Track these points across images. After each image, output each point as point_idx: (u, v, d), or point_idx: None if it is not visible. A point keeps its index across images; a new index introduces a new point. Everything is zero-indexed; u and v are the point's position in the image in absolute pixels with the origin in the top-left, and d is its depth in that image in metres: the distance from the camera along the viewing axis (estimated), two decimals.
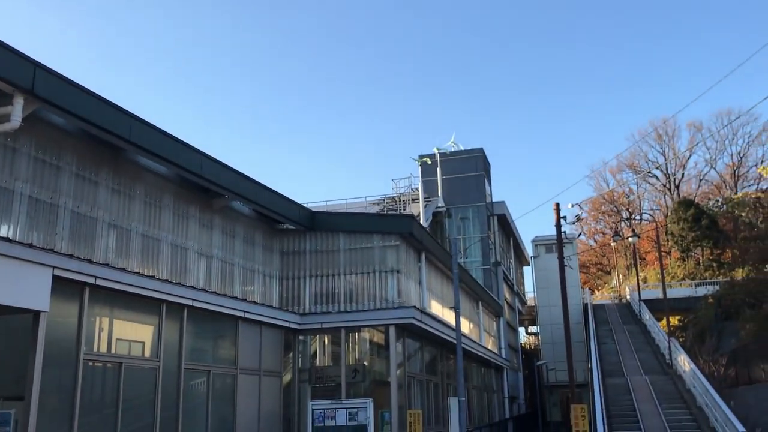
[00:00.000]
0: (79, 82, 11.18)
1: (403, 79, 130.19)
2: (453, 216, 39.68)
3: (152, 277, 12.48)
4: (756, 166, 63.98)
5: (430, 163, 40.08)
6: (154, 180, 14.15)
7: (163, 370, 12.26)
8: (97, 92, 11.52)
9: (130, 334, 12.17)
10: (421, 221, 33.60)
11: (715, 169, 69.77)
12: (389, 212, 35.33)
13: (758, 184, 61.85)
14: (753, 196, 54.19)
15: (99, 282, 10.66)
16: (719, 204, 57.72)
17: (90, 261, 10.66)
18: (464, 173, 40.68)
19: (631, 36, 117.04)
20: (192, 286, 13.66)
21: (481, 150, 41.83)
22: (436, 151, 40.84)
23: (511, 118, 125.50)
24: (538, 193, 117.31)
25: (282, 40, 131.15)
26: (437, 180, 39.97)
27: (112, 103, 11.91)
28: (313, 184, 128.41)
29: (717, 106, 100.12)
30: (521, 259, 56.54)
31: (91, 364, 10.69)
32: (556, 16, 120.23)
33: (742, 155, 67.94)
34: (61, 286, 9.93)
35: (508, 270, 46.57)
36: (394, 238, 18.74)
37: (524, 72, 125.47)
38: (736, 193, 61.19)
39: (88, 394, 10.56)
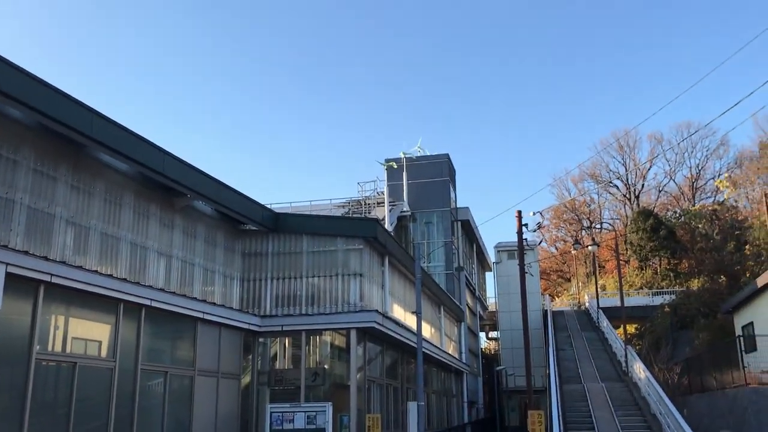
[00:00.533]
0: (39, 75, 10.96)
1: (370, 84, 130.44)
2: (418, 220, 39.83)
3: (110, 275, 12.28)
4: (713, 179, 65.54)
5: (396, 167, 40.15)
6: (115, 177, 13.93)
7: (119, 371, 12.08)
8: (57, 86, 11.29)
9: (86, 334, 11.95)
10: (386, 225, 33.66)
11: (674, 180, 71.39)
12: (354, 215, 35.32)
13: (715, 197, 63.41)
14: (710, 208, 55.57)
15: (55, 280, 10.45)
16: (677, 215, 58.98)
17: (46, 258, 10.45)
18: (430, 178, 40.85)
19: (598, 46, 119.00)
20: (151, 286, 13.49)
21: (447, 156, 42.06)
22: (402, 156, 40.94)
23: (477, 125, 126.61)
24: (502, 199, 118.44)
25: (249, 41, 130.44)
26: (403, 184, 40.07)
27: (73, 98, 11.69)
28: (277, 186, 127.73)
29: (678, 118, 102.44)
30: (484, 265, 56.96)
31: (44, 363, 10.47)
32: (522, 26, 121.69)
33: (700, 168, 69.62)
34: (15, 284, 9.72)
35: (471, 275, 46.88)
36: (358, 241, 18.72)
37: (491, 81, 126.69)
38: (693, 205, 62.67)
39: (40, 394, 10.34)
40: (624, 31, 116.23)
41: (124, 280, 12.53)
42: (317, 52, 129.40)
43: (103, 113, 12.48)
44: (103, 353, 11.99)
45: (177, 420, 13.99)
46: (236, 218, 17.95)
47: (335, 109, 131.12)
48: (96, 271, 11.78)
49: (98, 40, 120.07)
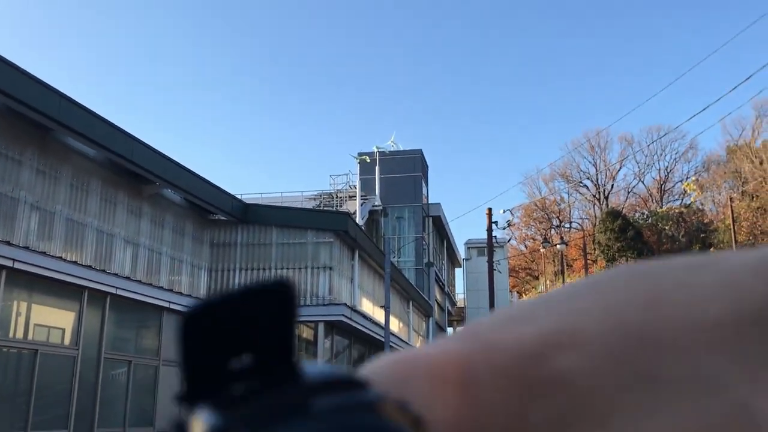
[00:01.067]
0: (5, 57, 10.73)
1: (345, 77, 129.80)
2: (389, 215, 39.83)
3: (75, 262, 12.09)
4: (681, 181, 66.56)
5: (369, 161, 40.06)
6: (82, 163, 13.70)
7: (82, 359, 11.91)
8: (23, 67, 11.07)
9: (49, 321, 11.75)
10: (357, 219, 33.59)
11: (643, 182, 72.26)
12: (325, 208, 35.20)
13: (682, 200, 64.41)
14: (676, 210, 56.42)
15: (17, 265, 10.26)
16: (645, 216, 59.75)
17: (9, 243, 10.25)
18: (402, 173, 40.89)
19: (572, 45, 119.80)
20: (116, 274, 13.32)
21: (420, 151, 42.16)
22: (375, 150, 40.89)
23: (451, 121, 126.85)
24: (473, 196, 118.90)
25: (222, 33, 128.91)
26: (375, 178, 40.03)
27: (40, 80, 11.47)
28: (248, 178, 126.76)
29: (650, 121, 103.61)
30: (453, 261, 57.20)
31: (4, 350, 10.28)
32: (497, 22, 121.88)
33: (669, 170, 70.58)
34: None
35: (441, 271, 47.06)
36: (329, 234, 18.67)
37: (466, 77, 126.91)
38: (661, 207, 63.53)
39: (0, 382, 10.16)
40: (600, 32, 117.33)
41: (90, 267, 12.35)
42: (290, 43, 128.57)
43: (71, 96, 12.26)
44: (66, 341, 11.82)
45: (141, 409, 13.85)
46: (205, 208, 17.78)
47: (308, 101, 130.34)
48: (61, 258, 11.59)
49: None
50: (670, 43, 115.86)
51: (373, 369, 0.25)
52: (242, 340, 0.23)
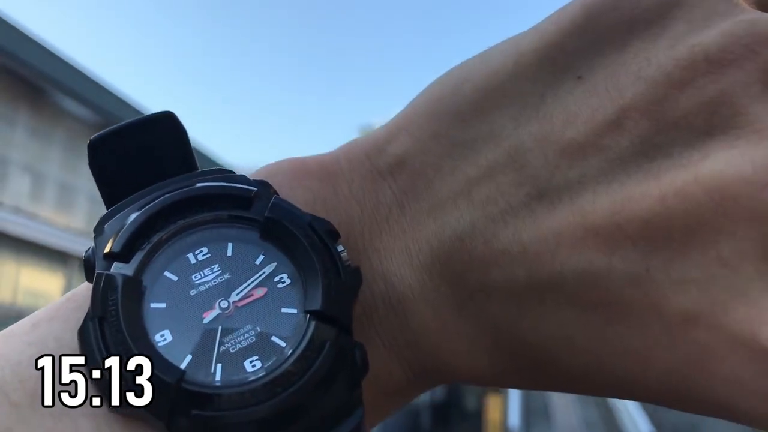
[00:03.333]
0: None
1: (353, 48, 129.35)
2: None
3: (67, 227, 11.74)
4: None
5: None
6: (74, 124, 13.31)
7: None
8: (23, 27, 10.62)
9: (38, 286, 11.46)
10: None
11: None
12: None
13: None
14: None
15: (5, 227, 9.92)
16: None
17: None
18: None
19: None
20: None
21: None
22: (378, 125, 40.44)
23: None
24: None
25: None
26: None
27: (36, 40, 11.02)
28: (239, 144, 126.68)
29: None
30: None
31: None
32: None
33: None
34: None
35: None
36: None
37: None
38: None
39: None
40: None
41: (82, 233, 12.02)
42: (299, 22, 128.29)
43: (65, 56, 11.83)
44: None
45: None
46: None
47: (315, 73, 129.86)
48: (49, 222, 11.24)
49: None
50: None
51: (252, 174, 0.27)
52: (147, 157, 0.26)
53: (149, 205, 0.24)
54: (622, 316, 0.20)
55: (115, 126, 0.26)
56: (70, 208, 13.01)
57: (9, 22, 10.51)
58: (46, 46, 11.30)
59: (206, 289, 0.23)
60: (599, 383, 0.22)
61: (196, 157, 0.27)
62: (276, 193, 0.25)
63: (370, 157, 0.27)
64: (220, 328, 0.22)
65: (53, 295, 11.58)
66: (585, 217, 0.21)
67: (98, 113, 12.81)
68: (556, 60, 0.23)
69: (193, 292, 0.23)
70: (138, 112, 14.17)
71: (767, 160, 0.18)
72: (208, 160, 17.66)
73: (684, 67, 0.21)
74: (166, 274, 0.23)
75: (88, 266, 0.24)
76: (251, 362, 0.22)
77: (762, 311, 0.18)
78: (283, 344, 0.22)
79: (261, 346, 0.22)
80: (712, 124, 0.20)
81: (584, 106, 0.22)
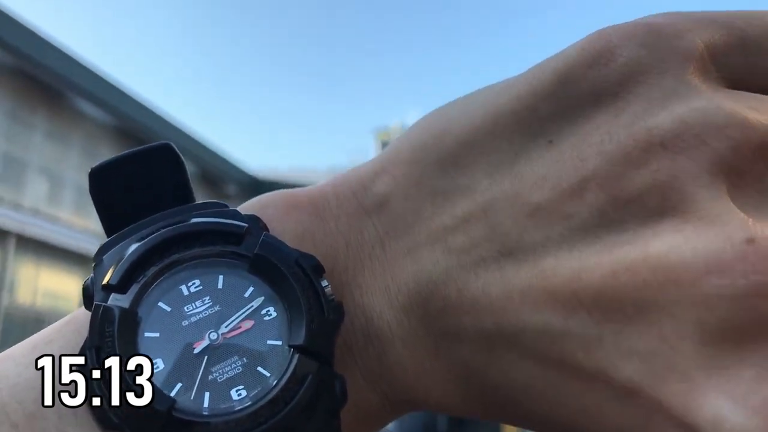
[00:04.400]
0: None
1: (365, 44, 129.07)
2: None
3: (85, 230, 11.84)
4: None
5: (388, 140, 39.51)
6: (92, 128, 13.43)
7: None
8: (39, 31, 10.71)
9: (57, 288, 11.56)
10: None
11: None
12: None
13: None
14: None
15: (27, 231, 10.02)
16: None
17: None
18: None
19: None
20: None
21: None
22: (394, 128, 40.40)
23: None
24: None
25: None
26: None
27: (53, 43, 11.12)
28: (256, 148, 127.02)
29: None
30: None
31: (13, 318, 10.09)
32: None
33: None
34: None
35: None
36: None
37: (500, 46, 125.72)
38: None
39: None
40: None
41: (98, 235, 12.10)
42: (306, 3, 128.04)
43: (83, 59, 11.94)
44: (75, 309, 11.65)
45: None
46: (215, 180, 17.50)
47: (322, 69, 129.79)
48: (69, 225, 11.34)
49: None
50: None
51: (244, 205, 0.29)
52: (146, 187, 0.27)
53: (146, 240, 0.25)
54: (576, 376, 0.22)
55: (115, 156, 0.28)
56: (87, 210, 13.12)
57: (26, 25, 10.62)
58: (63, 49, 11.41)
59: (197, 320, 0.24)
60: (559, 429, 0.24)
61: (192, 189, 0.29)
62: (266, 229, 0.26)
63: (356, 194, 0.28)
64: (209, 358, 0.24)
65: (71, 296, 11.68)
66: (546, 281, 0.22)
67: (116, 116, 12.92)
68: (530, 123, 0.25)
69: (185, 323, 0.24)
70: (156, 115, 14.29)
71: (707, 249, 0.19)
72: (227, 163, 17.73)
73: (641, 149, 0.22)
74: (160, 304, 0.24)
75: (86, 295, 0.25)
76: (237, 391, 0.23)
77: (694, 387, 0.19)
78: (268, 374, 0.24)
79: (247, 376, 0.24)
80: (663, 206, 0.21)
81: (552, 171, 0.23)
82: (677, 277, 0.19)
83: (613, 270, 0.21)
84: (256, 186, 19.15)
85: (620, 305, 0.20)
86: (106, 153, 13.84)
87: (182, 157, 0.28)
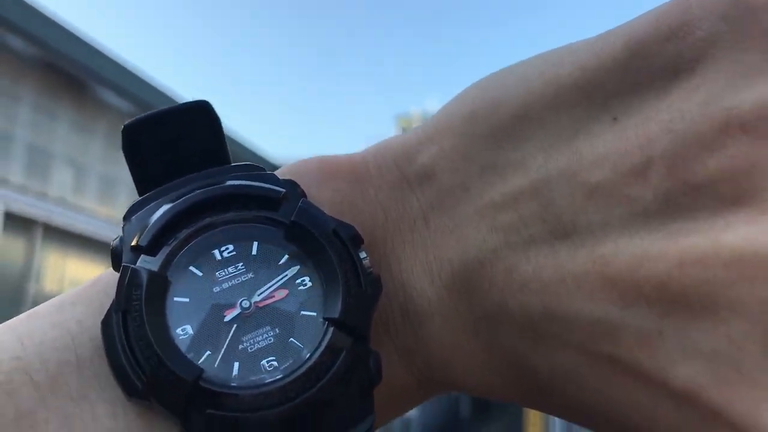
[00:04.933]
0: None
1: (389, 27, 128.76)
2: None
3: (110, 218, 11.98)
4: None
5: (409, 127, 39.37)
6: (117, 117, 13.54)
7: None
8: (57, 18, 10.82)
9: (84, 276, 11.71)
10: None
11: None
12: None
13: None
14: None
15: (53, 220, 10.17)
16: None
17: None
18: None
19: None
20: None
21: None
22: (414, 114, 40.31)
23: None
24: None
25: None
26: None
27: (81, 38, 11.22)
28: (286, 137, 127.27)
29: None
30: None
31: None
32: None
33: None
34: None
35: None
36: None
37: (520, 38, 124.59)
38: None
39: None
40: None
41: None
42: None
43: (106, 50, 12.03)
44: None
45: None
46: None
47: (348, 60, 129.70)
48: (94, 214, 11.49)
49: None
50: None
51: (281, 170, 0.28)
52: (181, 146, 0.27)
53: (178, 201, 0.24)
54: (629, 372, 0.21)
55: (150, 112, 0.27)
56: (112, 199, 13.26)
57: (49, 16, 10.72)
58: (86, 39, 11.50)
59: (229, 287, 0.24)
60: (603, 424, 0.23)
61: (229, 149, 0.27)
62: (304, 195, 0.25)
63: (399, 164, 0.27)
64: (240, 326, 0.23)
65: None
66: (605, 267, 0.21)
67: (140, 106, 13.00)
68: (594, 98, 0.23)
69: (216, 289, 0.23)
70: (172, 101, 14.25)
71: None
72: (247, 151, 17.79)
73: (717, 130, 0.20)
74: (191, 269, 0.24)
75: (114, 254, 0.24)
76: (268, 362, 0.23)
77: (761, 394, 0.18)
78: (301, 346, 0.23)
79: (279, 348, 0.23)
80: (737, 194, 0.19)
81: (614, 150, 0.22)
82: (753, 273, 0.18)
83: (680, 260, 0.19)
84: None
85: (686, 300, 0.19)
86: None
87: (218, 116, 0.27)
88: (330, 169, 0.27)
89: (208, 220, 0.24)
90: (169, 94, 14.04)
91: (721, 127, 0.20)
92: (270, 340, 0.23)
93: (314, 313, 0.24)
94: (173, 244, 0.24)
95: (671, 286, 0.19)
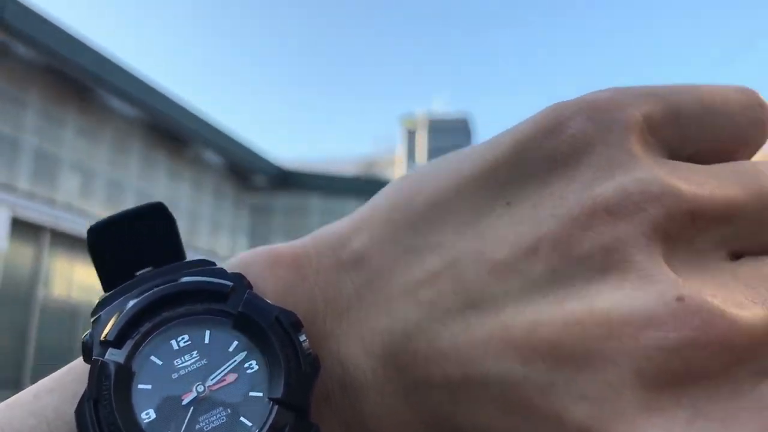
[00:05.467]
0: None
1: (394, 29, 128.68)
2: None
3: None
4: None
5: (414, 128, 39.60)
6: (123, 124, 13.62)
7: None
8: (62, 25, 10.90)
9: (90, 281, 11.78)
10: None
11: None
12: (368, 175, 35.02)
13: None
14: None
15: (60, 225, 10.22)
16: None
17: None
18: (450, 140, 40.33)
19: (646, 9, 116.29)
20: None
21: (465, 121, 41.47)
22: (420, 116, 40.34)
23: (502, 78, 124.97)
24: None
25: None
26: (419, 143, 39.58)
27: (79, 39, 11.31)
28: (291, 135, 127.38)
29: None
30: None
31: (49, 311, 10.31)
32: None
33: None
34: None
35: None
36: None
37: (528, 39, 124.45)
38: None
39: (44, 338, 10.21)
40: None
41: None
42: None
43: (111, 55, 12.10)
44: None
45: None
46: (244, 173, 17.66)
47: (353, 62, 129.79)
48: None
49: None
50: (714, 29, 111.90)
51: (233, 261, 0.31)
52: (140, 244, 0.30)
53: (139, 299, 0.28)
54: (534, 419, 0.24)
55: (111, 216, 0.30)
56: (118, 204, 13.31)
57: (56, 24, 10.79)
58: (93, 47, 11.58)
59: (186, 373, 0.26)
60: None
61: (183, 245, 0.31)
62: (250, 286, 0.28)
63: (335, 250, 0.30)
64: (196, 409, 0.26)
65: None
66: (507, 332, 0.24)
67: (145, 112, 13.09)
68: (491, 187, 0.27)
69: (174, 376, 0.26)
70: (184, 110, 14.44)
71: (643, 305, 0.22)
72: (254, 155, 17.84)
73: (588, 214, 0.24)
74: (152, 358, 0.27)
75: (85, 348, 0.27)
76: None
77: (637, 428, 0.21)
78: (250, 424, 0.26)
79: (231, 426, 0.25)
80: (606, 265, 0.23)
81: (510, 231, 0.26)
82: (619, 330, 0.22)
83: (564, 322, 0.23)
84: (284, 177, 19.28)
85: (571, 355, 0.23)
86: (136, 148, 14.06)
87: (173, 216, 0.31)
88: (274, 259, 0.30)
89: (165, 315, 0.27)
90: (174, 99, 14.11)
91: (590, 211, 0.24)
92: (223, 419, 0.25)
93: (261, 394, 0.26)
94: (136, 337, 0.27)
95: (559, 344, 0.23)
